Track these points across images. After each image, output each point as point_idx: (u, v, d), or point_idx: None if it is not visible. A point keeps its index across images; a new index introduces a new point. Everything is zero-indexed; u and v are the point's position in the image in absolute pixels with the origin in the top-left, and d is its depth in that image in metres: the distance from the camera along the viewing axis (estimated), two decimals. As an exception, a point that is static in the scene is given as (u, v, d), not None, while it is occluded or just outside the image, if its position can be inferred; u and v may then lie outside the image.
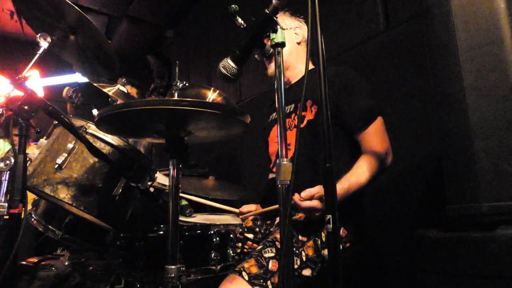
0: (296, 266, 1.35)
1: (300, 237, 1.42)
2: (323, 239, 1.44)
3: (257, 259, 1.35)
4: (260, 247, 1.41)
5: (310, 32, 1.06)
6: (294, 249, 1.37)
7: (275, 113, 1.88)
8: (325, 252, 1.42)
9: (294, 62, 1.81)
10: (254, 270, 1.30)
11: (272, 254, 1.36)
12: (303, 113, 1.68)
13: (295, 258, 1.35)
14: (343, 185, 1.42)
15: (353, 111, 1.57)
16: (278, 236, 1.40)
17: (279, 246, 1.37)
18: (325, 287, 1.44)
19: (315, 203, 1.33)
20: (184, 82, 1.45)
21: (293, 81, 1.83)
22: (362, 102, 1.58)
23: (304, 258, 1.38)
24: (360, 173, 1.46)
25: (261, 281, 1.28)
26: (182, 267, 1.21)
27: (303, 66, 1.81)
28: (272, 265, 1.32)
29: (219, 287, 1.31)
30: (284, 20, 1.81)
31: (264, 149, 1.99)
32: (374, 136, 1.56)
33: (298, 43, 1.82)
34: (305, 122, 1.67)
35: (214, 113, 1.13)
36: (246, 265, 1.33)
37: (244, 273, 1.29)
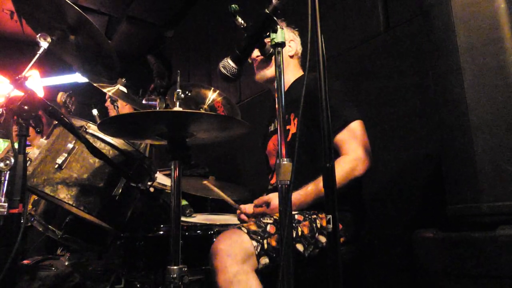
0: None
1: (296, 217, 1.47)
2: (318, 225, 1.47)
3: (255, 221, 1.42)
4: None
5: (310, 32, 1.06)
6: None
7: (273, 124, 1.86)
8: (321, 238, 1.45)
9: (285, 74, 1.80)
10: (253, 227, 1.37)
11: (270, 221, 1.42)
12: (287, 127, 1.66)
13: None
14: (297, 194, 1.48)
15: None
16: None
17: (276, 217, 1.43)
18: (316, 274, 1.47)
19: (263, 208, 1.52)
20: (187, 92, 1.46)
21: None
22: (336, 108, 1.53)
23: (299, 233, 1.42)
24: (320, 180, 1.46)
25: (259, 237, 1.34)
26: (184, 268, 1.21)
27: (291, 77, 1.80)
28: (270, 228, 1.39)
29: (218, 237, 1.36)
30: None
31: (264, 162, 1.98)
32: (344, 142, 1.52)
33: (291, 56, 1.82)
34: (289, 136, 1.66)
35: (215, 116, 1.14)
36: (245, 224, 1.40)
37: (243, 228, 1.36)
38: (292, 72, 1.81)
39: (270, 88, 1.87)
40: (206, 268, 1.62)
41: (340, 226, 1.50)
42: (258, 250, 1.32)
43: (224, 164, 3.72)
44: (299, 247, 1.40)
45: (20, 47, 5.04)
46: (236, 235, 1.33)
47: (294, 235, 1.40)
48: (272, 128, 1.88)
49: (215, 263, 1.28)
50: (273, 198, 1.50)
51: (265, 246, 1.33)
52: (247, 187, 2.74)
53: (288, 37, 1.79)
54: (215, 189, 1.91)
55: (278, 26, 1.15)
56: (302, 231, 1.42)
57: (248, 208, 1.76)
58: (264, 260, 1.33)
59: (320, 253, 1.45)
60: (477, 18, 1.06)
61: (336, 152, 1.54)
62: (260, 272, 1.32)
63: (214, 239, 1.69)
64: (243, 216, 1.70)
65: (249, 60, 1.66)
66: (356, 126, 1.54)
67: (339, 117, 1.53)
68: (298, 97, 1.06)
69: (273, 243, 1.35)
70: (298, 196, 1.49)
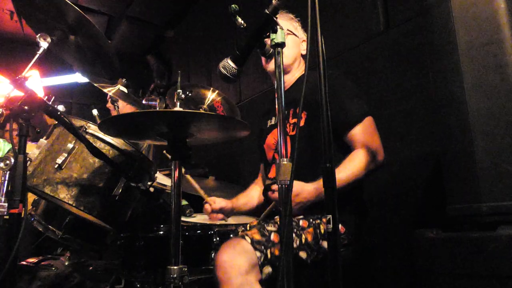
0: (295, 246, 1.38)
1: (301, 223, 1.45)
2: (322, 231, 1.46)
3: (259, 229, 1.40)
4: (262, 223, 1.47)
5: (309, 32, 1.06)
6: (295, 230, 1.41)
7: (273, 118, 1.87)
8: (324, 243, 1.44)
9: (294, 69, 1.82)
10: (257, 237, 1.35)
11: (274, 229, 1.40)
12: (294, 120, 1.69)
13: (295, 237, 1.39)
14: (315, 185, 1.44)
15: (339, 114, 1.55)
16: (277, 218, 1.45)
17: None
18: (319, 278, 1.46)
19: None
20: (187, 93, 1.47)
21: (287, 87, 1.83)
22: (348, 104, 1.59)
23: (303, 241, 1.41)
24: (340, 170, 1.45)
25: (262, 247, 1.32)
26: (184, 268, 1.21)
27: (298, 74, 1.83)
28: (274, 237, 1.37)
29: (222, 248, 1.34)
30: (297, 28, 1.84)
31: (261, 156, 1.98)
32: (361, 136, 1.55)
33: (303, 55, 1.84)
34: (295, 129, 1.67)
35: (215, 116, 1.14)
36: (248, 232, 1.37)
37: (247, 237, 1.34)
38: (302, 69, 1.84)
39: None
40: (205, 268, 1.62)
41: (343, 230, 1.50)
42: (262, 260, 1.30)
43: (224, 164, 3.72)
44: (302, 254, 1.40)
45: (20, 47, 5.04)
46: (239, 246, 1.31)
47: (298, 242, 1.39)
48: (273, 121, 1.88)
49: (219, 274, 1.25)
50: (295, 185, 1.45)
51: (269, 255, 1.32)
52: (246, 187, 2.73)
53: (302, 37, 1.83)
54: (188, 176, 1.90)
55: (278, 27, 1.14)
56: (306, 239, 1.41)
57: (218, 202, 1.77)
58: (267, 270, 1.32)
59: (323, 258, 1.44)
60: (477, 18, 1.06)
61: (348, 149, 1.57)
62: (264, 283, 1.30)
63: (214, 239, 1.70)
64: (207, 208, 1.73)
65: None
66: (367, 123, 1.57)
67: (350, 114, 1.56)
68: (305, 93, 1.06)
69: (277, 252, 1.33)
70: (316, 186, 1.44)
